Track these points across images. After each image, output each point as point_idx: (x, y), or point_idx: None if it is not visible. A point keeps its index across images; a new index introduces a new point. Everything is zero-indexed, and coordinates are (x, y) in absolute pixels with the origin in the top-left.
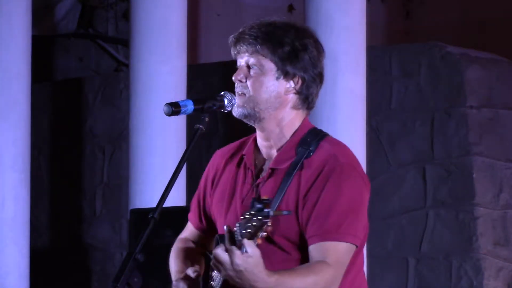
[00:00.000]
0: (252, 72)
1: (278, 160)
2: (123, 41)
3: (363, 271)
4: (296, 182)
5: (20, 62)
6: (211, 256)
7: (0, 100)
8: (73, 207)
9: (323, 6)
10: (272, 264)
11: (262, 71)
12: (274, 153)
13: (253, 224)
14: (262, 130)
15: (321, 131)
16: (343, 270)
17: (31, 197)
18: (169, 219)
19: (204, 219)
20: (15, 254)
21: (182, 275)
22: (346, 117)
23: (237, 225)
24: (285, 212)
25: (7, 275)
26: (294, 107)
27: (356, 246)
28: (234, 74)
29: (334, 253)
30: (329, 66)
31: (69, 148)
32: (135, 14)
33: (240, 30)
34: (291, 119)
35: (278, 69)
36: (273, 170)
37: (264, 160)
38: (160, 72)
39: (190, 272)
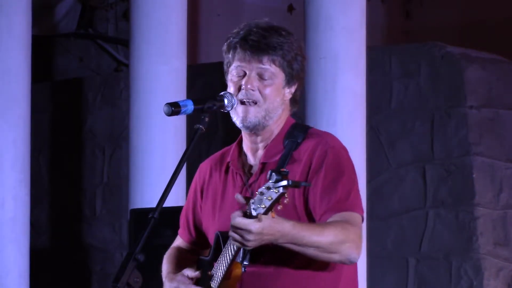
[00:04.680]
0: (265, 82)
1: (267, 154)
2: (123, 41)
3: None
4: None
5: (20, 62)
6: (230, 227)
7: (0, 100)
8: (73, 207)
9: (323, 6)
10: (280, 260)
11: (274, 81)
12: (261, 152)
13: (269, 197)
14: (257, 135)
15: (304, 124)
16: (361, 235)
17: (31, 197)
18: (169, 219)
19: (194, 231)
20: (15, 254)
21: (176, 275)
22: (346, 117)
23: (251, 202)
24: (303, 183)
25: (7, 275)
26: (288, 111)
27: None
28: (245, 82)
29: (352, 218)
30: (329, 66)
31: (69, 148)
32: (135, 14)
33: (241, 35)
34: (281, 119)
35: (286, 77)
36: (264, 165)
37: (251, 163)
38: (160, 72)
39: (189, 272)
